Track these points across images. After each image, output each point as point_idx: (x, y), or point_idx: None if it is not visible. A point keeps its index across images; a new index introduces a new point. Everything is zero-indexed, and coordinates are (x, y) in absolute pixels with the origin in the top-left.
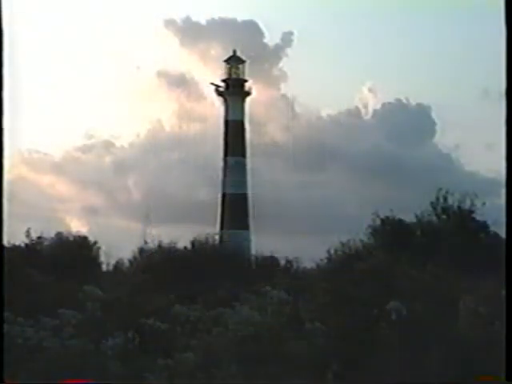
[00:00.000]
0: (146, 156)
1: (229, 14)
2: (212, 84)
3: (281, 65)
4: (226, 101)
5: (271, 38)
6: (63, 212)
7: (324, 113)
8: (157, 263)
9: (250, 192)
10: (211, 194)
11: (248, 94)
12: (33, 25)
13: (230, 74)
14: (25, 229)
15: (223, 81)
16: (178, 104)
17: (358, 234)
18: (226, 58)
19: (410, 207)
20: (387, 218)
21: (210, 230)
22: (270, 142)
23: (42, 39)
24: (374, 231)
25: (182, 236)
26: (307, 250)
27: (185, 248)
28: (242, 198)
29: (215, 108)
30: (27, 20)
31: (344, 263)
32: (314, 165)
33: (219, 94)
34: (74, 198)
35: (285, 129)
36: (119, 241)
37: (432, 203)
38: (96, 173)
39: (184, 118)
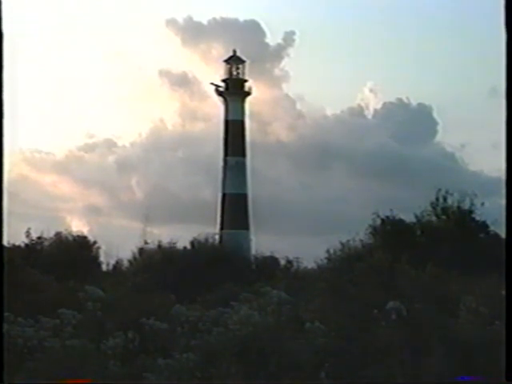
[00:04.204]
0: (149, 155)
1: (230, 13)
2: (212, 84)
3: (282, 64)
4: (225, 101)
5: (273, 38)
6: (65, 211)
7: (325, 112)
8: (157, 263)
9: (250, 192)
10: (213, 194)
11: (248, 94)
12: (34, 24)
13: (230, 73)
14: (26, 229)
15: (223, 81)
16: (180, 103)
17: (358, 233)
18: (227, 57)
19: (413, 207)
20: (387, 217)
21: (211, 229)
22: (272, 142)
23: (43, 38)
24: (374, 231)
25: (182, 236)
26: (307, 250)
27: (185, 248)
28: (242, 198)
29: (217, 107)
30: (28, 20)
31: (344, 263)
32: (315, 164)
33: (219, 93)
34: (76, 198)
35: (287, 128)
36: (120, 240)
37: (432, 203)
38: (98, 172)
39: (186, 118)
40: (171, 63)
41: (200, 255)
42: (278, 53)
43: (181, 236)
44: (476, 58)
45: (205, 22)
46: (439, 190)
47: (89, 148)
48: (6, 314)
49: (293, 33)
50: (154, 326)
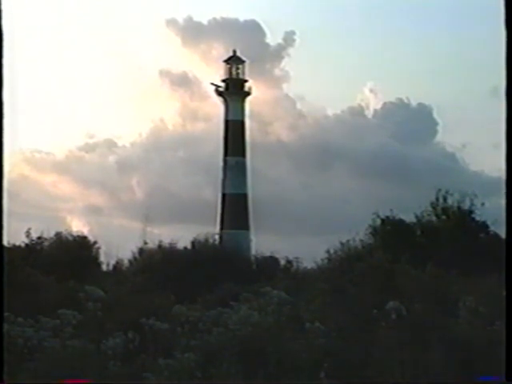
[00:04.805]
0: (149, 155)
1: (230, 13)
2: (212, 84)
3: (283, 64)
4: (225, 101)
5: (273, 38)
6: (65, 211)
7: (325, 112)
8: (157, 263)
9: (250, 192)
10: (213, 194)
11: (248, 94)
12: (34, 24)
13: (230, 73)
14: (26, 229)
15: (223, 81)
16: (181, 103)
17: (358, 233)
18: (227, 57)
19: (414, 207)
20: (387, 217)
21: (211, 229)
22: (272, 142)
23: (44, 38)
24: (375, 231)
25: (182, 236)
26: (307, 249)
27: (185, 248)
28: (242, 198)
29: (218, 107)
30: (27, 20)
31: (344, 263)
32: (315, 164)
33: (219, 94)
34: (77, 198)
35: (287, 128)
36: (120, 241)
37: (432, 203)
38: (98, 172)
39: (187, 118)
40: (171, 63)
41: (200, 255)
42: (279, 53)
43: (181, 236)
44: (477, 57)
45: (205, 22)
46: (439, 190)
47: (89, 148)
48: (6, 313)
49: (293, 33)
50: (154, 326)
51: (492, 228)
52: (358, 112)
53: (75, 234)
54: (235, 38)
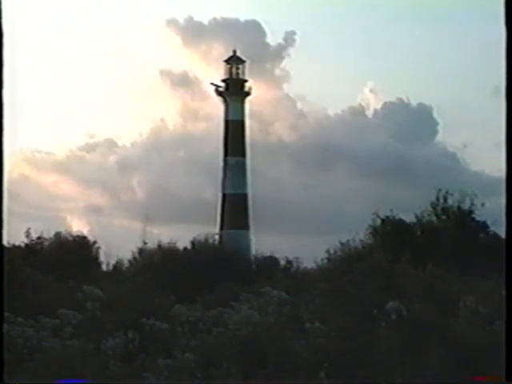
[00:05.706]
0: (149, 155)
1: (231, 13)
2: (212, 84)
3: (283, 64)
4: (225, 101)
5: (273, 38)
6: (66, 211)
7: (326, 112)
8: (157, 263)
9: (250, 192)
10: (213, 194)
11: (248, 94)
12: (34, 24)
13: (230, 73)
14: (26, 229)
15: (223, 81)
16: (181, 103)
17: (358, 233)
18: (227, 57)
19: (414, 207)
20: (387, 217)
21: (211, 229)
22: (273, 142)
23: (44, 38)
24: (375, 231)
25: (182, 236)
26: (307, 249)
27: (185, 248)
28: (242, 198)
29: (218, 107)
30: (27, 20)
31: (344, 263)
32: (315, 164)
33: (219, 94)
34: (77, 198)
35: (287, 128)
36: (120, 240)
37: (432, 203)
38: (99, 172)
39: (187, 118)
40: (172, 63)
41: (200, 255)
42: (279, 53)
43: (181, 236)
44: (477, 57)
45: (205, 22)
46: (439, 190)
47: (89, 148)
48: (6, 314)
49: (293, 33)
50: (154, 326)
51: (492, 228)
52: (358, 112)
53: (75, 233)
54: (235, 37)
